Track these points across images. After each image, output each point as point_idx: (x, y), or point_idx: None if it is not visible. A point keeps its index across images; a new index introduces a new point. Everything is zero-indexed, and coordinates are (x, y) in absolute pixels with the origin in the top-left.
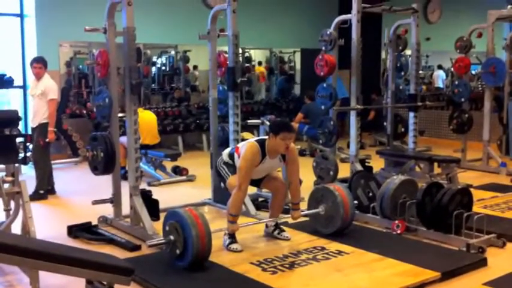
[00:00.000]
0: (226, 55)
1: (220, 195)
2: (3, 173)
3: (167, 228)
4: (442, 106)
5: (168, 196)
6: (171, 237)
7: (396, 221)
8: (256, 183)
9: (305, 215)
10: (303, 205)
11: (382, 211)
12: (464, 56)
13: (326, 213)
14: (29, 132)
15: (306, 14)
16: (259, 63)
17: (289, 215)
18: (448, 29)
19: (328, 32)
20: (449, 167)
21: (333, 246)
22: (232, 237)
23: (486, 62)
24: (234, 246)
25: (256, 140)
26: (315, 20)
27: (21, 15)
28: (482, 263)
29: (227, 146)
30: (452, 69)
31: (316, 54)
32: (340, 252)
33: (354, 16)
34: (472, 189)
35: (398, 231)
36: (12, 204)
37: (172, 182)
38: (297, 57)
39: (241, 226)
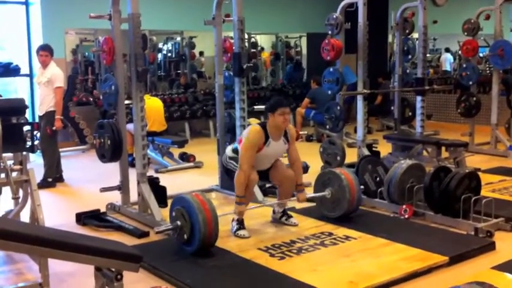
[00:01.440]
0: (232, 41)
1: (227, 181)
2: (12, 162)
3: (174, 214)
4: (449, 90)
5: (176, 183)
6: (178, 223)
7: (404, 206)
8: (265, 176)
9: (311, 198)
10: (310, 190)
11: (390, 196)
12: (472, 39)
13: (332, 197)
14: (36, 120)
15: None
16: (262, 49)
17: (295, 198)
18: (455, 11)
19: (334, 16)
20: (457, 151)
21: (341, 231)
22: (240, 223)
23: (494, 44)
24: (241, 232)
25: (257, 124)
26: (320, 4)
27: (26, 3)
28: (491, 247)
29: (234, 132)
30: (459, 52)
31: (323, 38)
32: (347, 238)
33: (360, 0)
34: (480, 173)
35: (406, 216)
36: (21, 192)
37: (180, 168)
38: (303, 42)
39: (248, 209)
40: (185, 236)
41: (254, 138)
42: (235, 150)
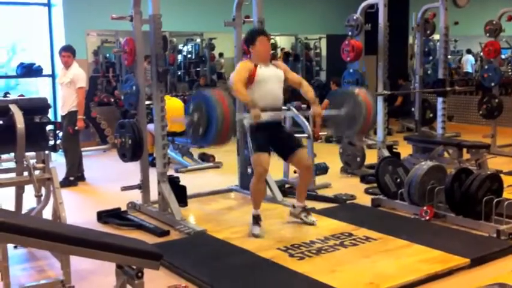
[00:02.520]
0: None
1: (247, 181)
2: (34, 160)
3: (192, 107)
4: (471, 91)
5: (195, 182)
6: (195, 116)
7: (424, 207)
8: (282, 154)
9: (326, 116)
10: (330, 191)
11: (410, 197)
12: (494, 40)
13: (348, 115)
14: (59, 120)
15: None
16: (282, 50)
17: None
18: (476, 12)
19: (354, 17)
20: (478, 152)
21: (361, 232)
22: (255, 218)
23: None
24: (254, 229)
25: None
26: (341, 5)
27: (48, 5)
28: None
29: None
30: (481, 53)
31: (343, 39)
32: (367, 239)
33: (380, 0)
34: (502, 175)
35: (427, 218)
36: (43, 190)
37: (199, 168)
38: (323, 43)
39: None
40: (201, 130)
41: (242, 64)
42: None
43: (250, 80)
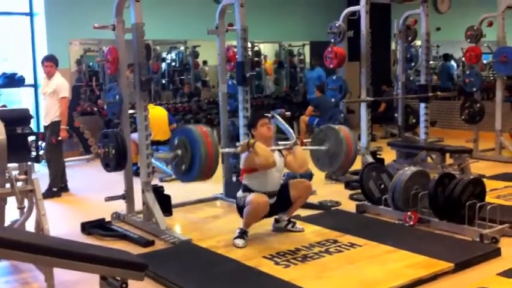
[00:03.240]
0: (235, 49)
1: (232, 189)
2: (17, 172)
3: (175, 143)
4: (453, 96)
5: (180, 191)
6: (179, 152)
7: (409, 213)
8: (285, 203)
9: (310, 149)
10: (315, 198)
11: (394, 203)
12: (475, 46)
13: (329, 151)
14: (41, 130)
15: (314, 6)
16: (266, 58)
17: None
18: (458, 18)
19: (337, 24)
20: (461, 157)
21: (345, 239)
22: (243, 233)
23: (497, 51)
24: (237, 241)
25: None
26: (323, 12)
27: (30, 14)
28: (496, 253)
29: (237, 140)
30: (463, 59)
31: (326, 46)
32: (352, 245)
33: (362, 7)
34: (484, 180)
35: (411, 223)
36: (26, 202)
37: None
38: (307, 50)
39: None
40: (184, 166)
41: (261, 145)
42: (244, 189)
43: (254, 169)
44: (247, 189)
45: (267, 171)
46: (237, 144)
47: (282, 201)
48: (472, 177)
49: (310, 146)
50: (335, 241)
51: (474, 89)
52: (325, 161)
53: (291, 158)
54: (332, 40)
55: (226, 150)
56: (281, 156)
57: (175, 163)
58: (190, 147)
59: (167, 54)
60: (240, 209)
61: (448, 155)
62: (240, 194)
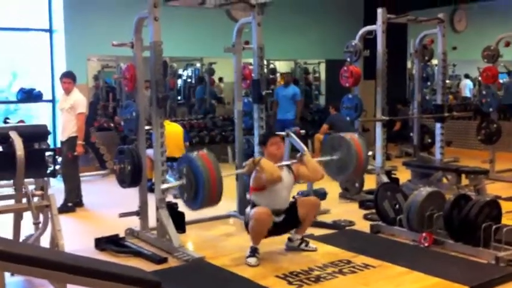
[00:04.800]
0: (251, 67)
1: (246, 207)
2: (33, 186)
3: (180, 173)
4: (469, 116)
5: None
6: (184, 182)
7: (424, 234)
8: (294, 221)
9: (320, 161)
10: (328, 217)
11: (409, 223)
12: (491, 66)
13: (339, 161)
14: (58, 145)
15: (330, 24)
16: (281, 75)
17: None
18: (475, 38)
19: (353, 43)
20: (477, 178)
21: (359, 259)
22: (253, 250)
23: None
24: (250, 260)
25: None
26: (339, 30)
27: (50, 30)
28: None
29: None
30: (479, 78)
31: (341, 64)
32: (366, 266)
33: (379, 27)
34: (500, 201)
35: (426, 244)
36: (41, 217)
37: None
38: (322, 68)
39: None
40: (190, 194)
41: (267, 162)
42: (252, 206)
43: (262, 187)
44: (255, 206)
45: (275, 189)
46: (244, 164)
47: (290, 220)
48: (488, 198)
49: (321, 157)
50: (349, 261)
51: (491, 109)
52: (334, 169)
53: (303, 169)
54: (348, 59)
55: (235, 172)
56: (290, 173)
57: (182, 192)
58: (193, 176)
59: (183, 70)
60: (247, 226)
61: (464, 175)
62: (248, 211)
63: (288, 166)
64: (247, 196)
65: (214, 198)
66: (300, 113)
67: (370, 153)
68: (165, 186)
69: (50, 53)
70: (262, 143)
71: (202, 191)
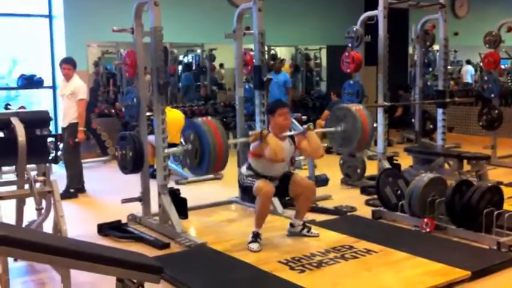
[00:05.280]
0: (252, 53)
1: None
2: (35, 172)
3: (185, 138)
4: (471, 102)
5: (196, 194)
6: (189, 147)
7: (425, 219)
8: (283, 192)
9: (324, 132)
10: (330, 203)
11: (411, 209)
12: (493, 51)
13: (344, 133)
14: (59, 132)
15: (331, 10)
16: (282, 62)
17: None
18: (476, 23)
19: (354, 29)
20: (479, 164)
21: (361, 244)
22: (255, 235)
23: None
24: (251, 245)
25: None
26: (340, 16)
27: (49, 16)
28: None
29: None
30: (481, 64)
31: (343, 50)
32: (368, 251)
33: (380, 12)
34: (502, 187)
35: (428, 230)
36: (44, 203)
37: (200, 180)
38: (323, 54)
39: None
40: (194, 160)
41: (273, 139)
42: (249, 167)
43: (261, 155)
44: (251, 169)
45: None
46: (250, 132)
47: (279, 188)
48: (489, 184)
49: (326, 128)
50: (351, 247)
51: (492, 95)
52: (338, 140)
53: (305, 143)
54: (349, 45)
55: (237, 140)
56: (291, 144)
57: (187, 158)
58: (199, 141)
59: (184, 57)
60: (243, 189)
61: (465, 161)
62: (243, 171)
63: (291, 137)
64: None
65: (220, 164)
66: (291, 101)
67: (375, 125)
68: (170, 150)
69: (50, 39)
70: (270, 112)
71: (208, 157)
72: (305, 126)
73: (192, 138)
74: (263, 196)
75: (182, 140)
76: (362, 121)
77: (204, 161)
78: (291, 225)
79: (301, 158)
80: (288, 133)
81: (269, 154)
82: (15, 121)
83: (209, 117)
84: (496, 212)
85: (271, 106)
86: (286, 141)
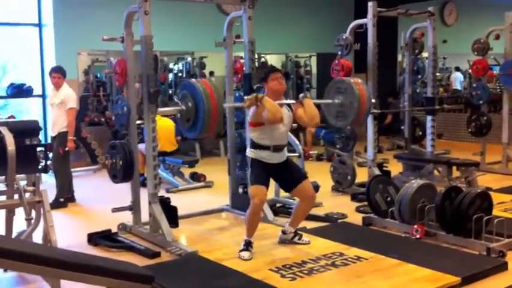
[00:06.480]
0: (242, 61)
1: (238, 201)
2: (25, 182)
3: (180, 97)
4: (460, 109)
5: (186, 202)
6: (183, 107)
7: (415, 226)
8: (286, 187)
9: (318, 103)
10: (321, 210)
11: (401, 216)
12: (482, 58)
13: (340, 107)
14: (49, 140)
15: (321, 18)
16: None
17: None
18: (465, 30)
19: (343, 37)
20: (468, 170)
21: (352, 252)
22: (247, 244)
23: (504, 64)
24: (242, 253)
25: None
26: (330, 24)
27: (39, 25)
28: (503, 267)
29: (244, 152)
30: (470, 70)
31: (332, 58)
32: (358, 258)
33: (369, 20)
34: (491, 193)
35: (418, 236)
36: (33, 213)
37: (190, 188)
38: (313, 62)
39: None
40: (189, 121)
41: (269, 101)
42: (252, 145)
43: (261, 124)
44: (255, 145)
45: (274, 126)
46: (245, 97)
47: (284, 180)
48: (479, 190)
49: (323, 99)
50: (341, 254)
51: (481, 102)
52: (333, 113)
53: (301, 111)
54: (339, 52)
55: (232, 104)
56: (290, 112)
57: (181, 118)
58: (194, 101)
59: (174, 64)
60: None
61: (455, 167)
62: (248, 152)
63: (289, 105)
64: (239, 190)
65: (213, 124)
66: None
67: (373, 100)
68: (163, 109)
69: (40, 48)
70: (263, 80)
71: (203, 117)
72: (302, 94)
73: (186, 97)
74: (255, 205)
75: (177, 99)
76: (360, 96)
77: (198, 122)
78: (283, 232)
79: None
80: (285, 101)
81: (267, 115)
82: (4, 131)
83: (206, 80)
84: (485, 218)
85: (264, 73)
86: (284, 108)
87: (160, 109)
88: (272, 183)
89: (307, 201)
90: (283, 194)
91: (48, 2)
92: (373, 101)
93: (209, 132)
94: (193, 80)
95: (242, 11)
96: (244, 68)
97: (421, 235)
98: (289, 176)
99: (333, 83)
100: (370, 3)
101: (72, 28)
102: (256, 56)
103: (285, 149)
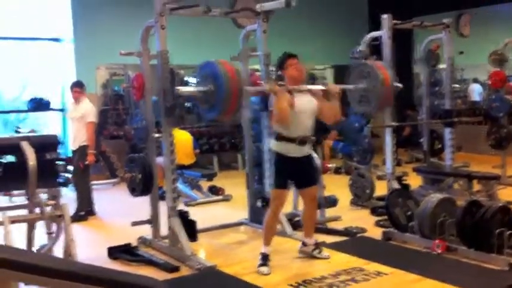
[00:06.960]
0: (258, 74)
1: (257, 214)
2: (45, 196)
3: (200, 78)
4: (479, 121)
5: (205, 216)
6: (203, 88)
7: (437, 241)
8: (298, 184)
9: (344, 88)
10: (339, 224)
11: (421, 230)
12: (499, 70)
13: (364, 91)
14: (69, 154)
15: (336, 30)
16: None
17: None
18: (483, 42)
19: (358, 49)
20: (489, 183)
21: (372, 267)
22: (264, 258)
23: None
24: (262, 269)
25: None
26: (346, 36)
27: (59, 40)
28: None
29: (262, 165)
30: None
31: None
32: (379, 273)
33: (384, 33)
34: None
35: (439, 251)
36: (54, 227)
37: (209, 201)
38: (329, 74)
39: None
40: (209, 102)
41: (282, 94)
42: (276, 137)
43: None
44: (279, 137)
45: (297, 117)
46: (265, 82)
47: (302, 178)
48: (500, 204)
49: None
50: (361, 269)
51: (500, 114)
52: (356, 98)
53: (326, 106)
54: None
55: (254, 88)
56: (313, 101)
57: (200, 100)
58: (214, 81)
59: (190, 78)
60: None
61: (475, 181)
62: (272, 145)
63: (313, 93)
64: (258, 204)
65: (233, 106)
66: None
67: (399, 85)
68: (182, 89)
69: (60, 63)
70: (280, 67)
71: (223, 97)
72: (323, 82)
73: (206, 77)
74: (275, 207)
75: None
76: (384, 79)
77: (218, 103)
78: (303, 243)
79: None
80: (310, 86)
81: (274, 113)
82: (25, 145)
83: (227, 61)
84: (507, 233)
85: (280, 60)
86: (307, 95)
87: (181, 88)
88: (288, 197)
89: (309, 204)
90: (301, 206)
91: (68, 17)
92: (398, 85)
93: (228, 113)
94: (215, 60)
95: (257, 25)
96: (259, 81)
97: (442, 250)
98: (307, 174)
99: (355, 66)
100: (384, 16)
101: (91, 43)
102: (272, 69)
103: (309, 142)
